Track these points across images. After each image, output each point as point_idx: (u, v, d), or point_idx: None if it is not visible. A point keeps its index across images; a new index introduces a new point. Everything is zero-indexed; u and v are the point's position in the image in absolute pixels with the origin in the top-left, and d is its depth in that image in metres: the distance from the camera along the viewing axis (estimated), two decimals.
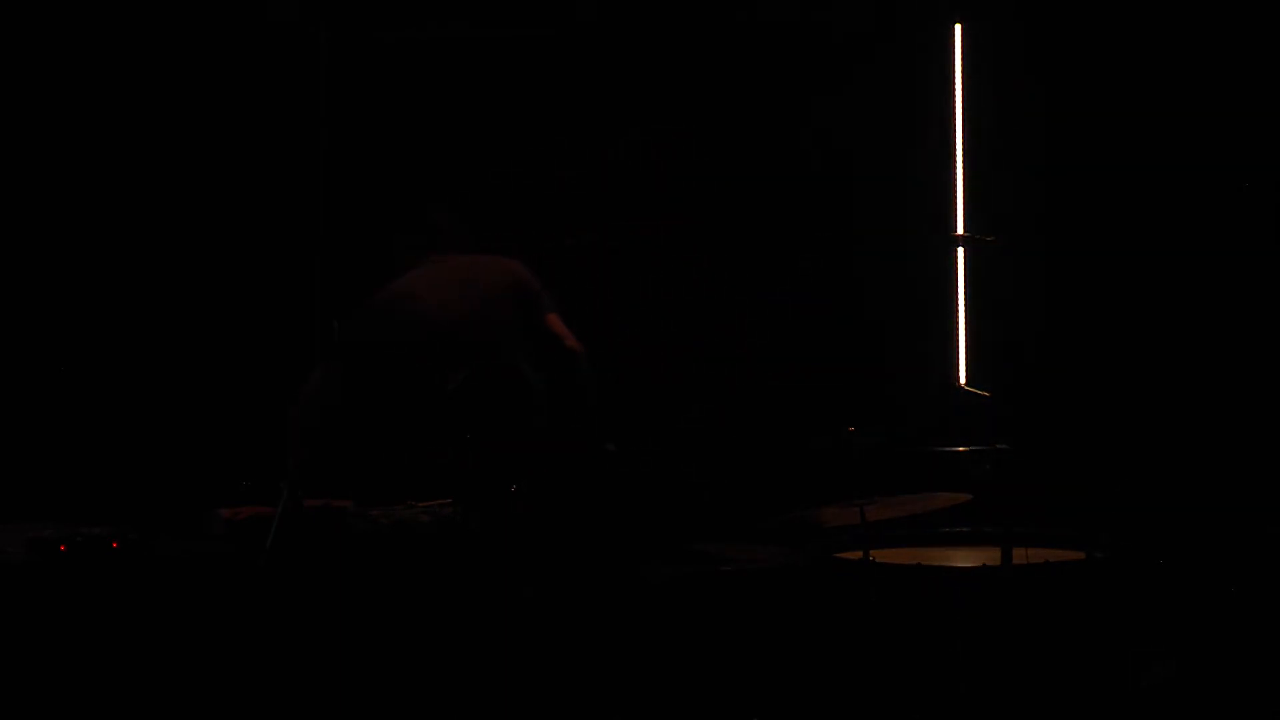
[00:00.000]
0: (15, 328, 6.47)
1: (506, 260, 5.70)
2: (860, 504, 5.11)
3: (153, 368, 6.53)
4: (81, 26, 6.51)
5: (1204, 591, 5.92)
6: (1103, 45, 6.58)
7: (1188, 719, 5.50)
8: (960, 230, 6.53)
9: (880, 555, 5.23)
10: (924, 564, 5.20)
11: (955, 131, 6.57)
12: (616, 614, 5.12)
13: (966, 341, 6.49)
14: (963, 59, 6.60)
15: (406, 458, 5.64)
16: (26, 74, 6.48)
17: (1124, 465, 6.37)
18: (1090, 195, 6.57)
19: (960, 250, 6.50)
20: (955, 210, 6.57)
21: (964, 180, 6.56)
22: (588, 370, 5.61)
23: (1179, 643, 5.67)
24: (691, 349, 6.79)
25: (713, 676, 5.21)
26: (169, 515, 5.72)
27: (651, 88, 6.77)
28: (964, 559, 5.32)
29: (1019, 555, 5.00)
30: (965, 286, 6.51)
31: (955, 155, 6.56)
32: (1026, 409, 6.14)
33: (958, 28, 6.61)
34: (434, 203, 5.76)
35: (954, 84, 6.59)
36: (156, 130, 6.55)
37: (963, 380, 6.43)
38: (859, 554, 5.14)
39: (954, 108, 6.58)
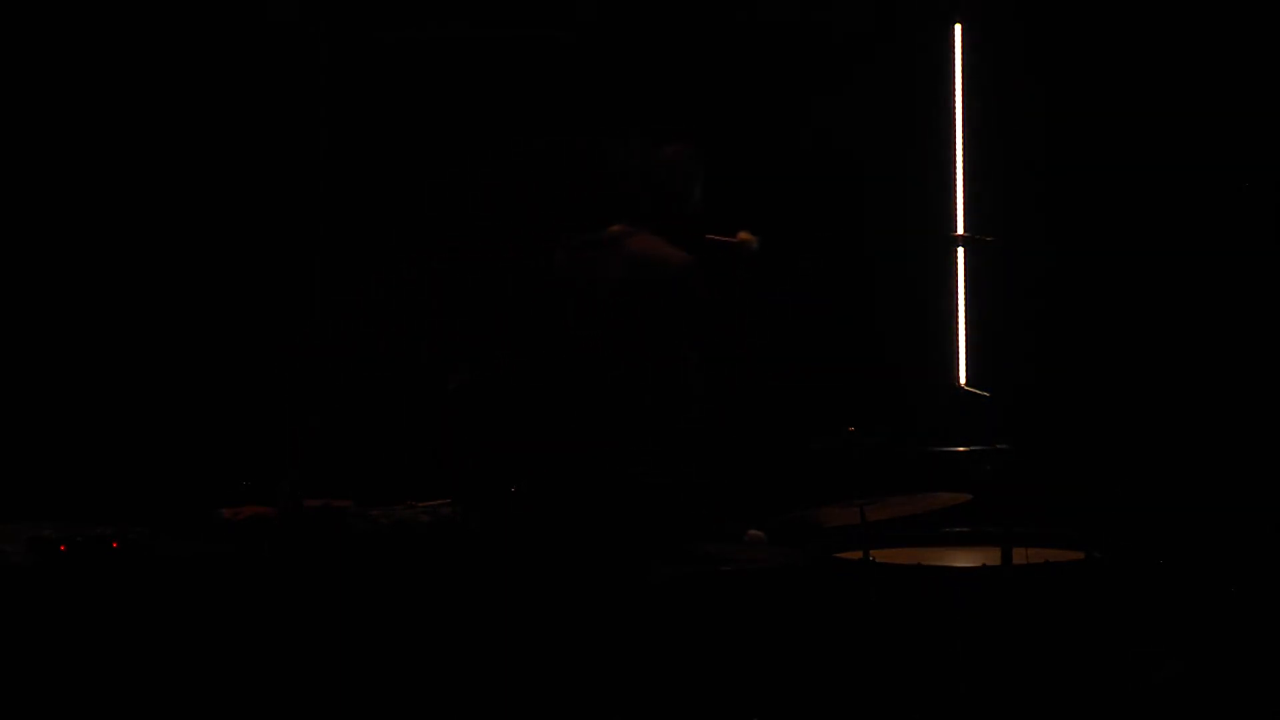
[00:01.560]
0: (15, 328, 6.46)
1: (684, 258, 5.38)
2: (860, 504, 5.10)
3: (153, 367, 6.53)
4: (82, 26, 6.51)
5: (1204, 591, 5.92)
6: (1102, 45, 6.58)
7: (1188, 719, 5.50)
8: (960, 230, 6.52)
9: (880, 555, 5.22)
10: (924, 564, 5.21)
11: (955, 131, 6.56)
12: (617, 613, 5.11)
13: (966, 341, 6.48)
14: (963, 59, 6.59)
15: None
16: (26, 74, 6.48)
17: (1124, 465, 6.37)
18: (1090, 195, 6.57)
19: (960, 250, 6.49)
20: (955, 210, 6.56)
21: (964, 180, 6.56)
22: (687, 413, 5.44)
23: (1179, 643, 5.67)
24: (692, 349, 6.77)
25: (713, 676, 5.20)
26: (170, 515, 5.72)
27: (652, 88, 6.77)
28: (964, 559, 5.32)
29: (1019, 555, 5.00)
30: (965, 286, 6.50)
31: (955, 155, 6.55)
32: (1026, 409, 6.14)
33: (958, 28, 6.61)
34: (691, 172, 5.52)
35: (954, 84, 6.58)
36: (157, 130, 6.55)
37: (963, 380, 6.43)
38: (859, 554, 5.14)
39: (954, 108, 6.57)
